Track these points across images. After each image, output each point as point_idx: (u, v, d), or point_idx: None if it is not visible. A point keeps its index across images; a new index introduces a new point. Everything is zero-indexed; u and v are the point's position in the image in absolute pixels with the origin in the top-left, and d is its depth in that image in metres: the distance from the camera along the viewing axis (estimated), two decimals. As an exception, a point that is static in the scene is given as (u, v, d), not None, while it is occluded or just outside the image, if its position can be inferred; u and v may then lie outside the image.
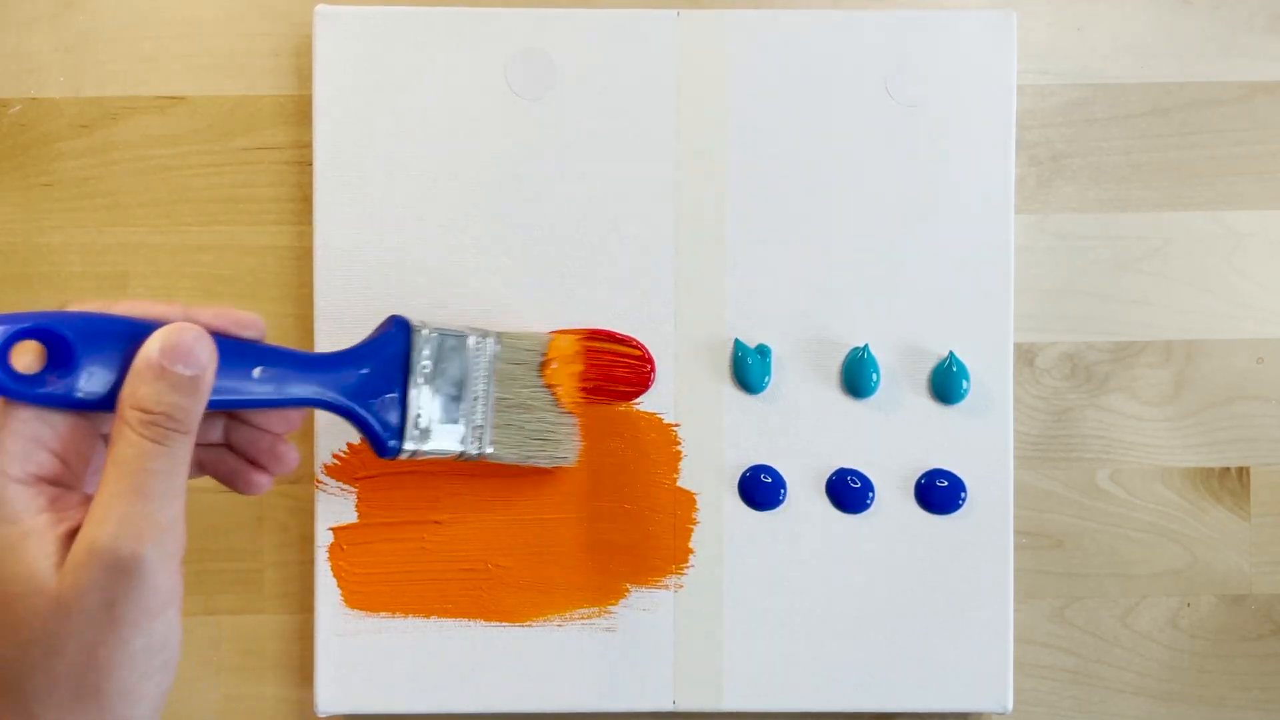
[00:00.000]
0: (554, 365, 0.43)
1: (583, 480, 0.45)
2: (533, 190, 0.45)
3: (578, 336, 0.44)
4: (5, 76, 0.47)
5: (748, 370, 0.45)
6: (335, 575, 0.45)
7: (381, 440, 0.37)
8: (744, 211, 0.45)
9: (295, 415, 0.35)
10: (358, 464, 0.45)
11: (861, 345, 0.45)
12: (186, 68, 0.47)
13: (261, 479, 0.35)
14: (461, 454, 0.40)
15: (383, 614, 0.45)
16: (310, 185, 0.45)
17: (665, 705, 0.45)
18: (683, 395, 0.45)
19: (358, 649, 0.45)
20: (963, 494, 0.45)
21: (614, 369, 0.45)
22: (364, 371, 0.36)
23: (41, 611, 0.27)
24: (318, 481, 0.45)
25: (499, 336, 0.41)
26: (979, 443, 0.45)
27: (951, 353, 0.45)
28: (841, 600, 0.45)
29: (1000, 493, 0.45)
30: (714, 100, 0.45)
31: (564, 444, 0.43)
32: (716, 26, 0.45)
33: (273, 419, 0.34)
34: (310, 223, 0.45)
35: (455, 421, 0.39)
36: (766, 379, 0.45)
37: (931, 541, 0.45)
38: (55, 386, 0.29)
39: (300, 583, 0.47)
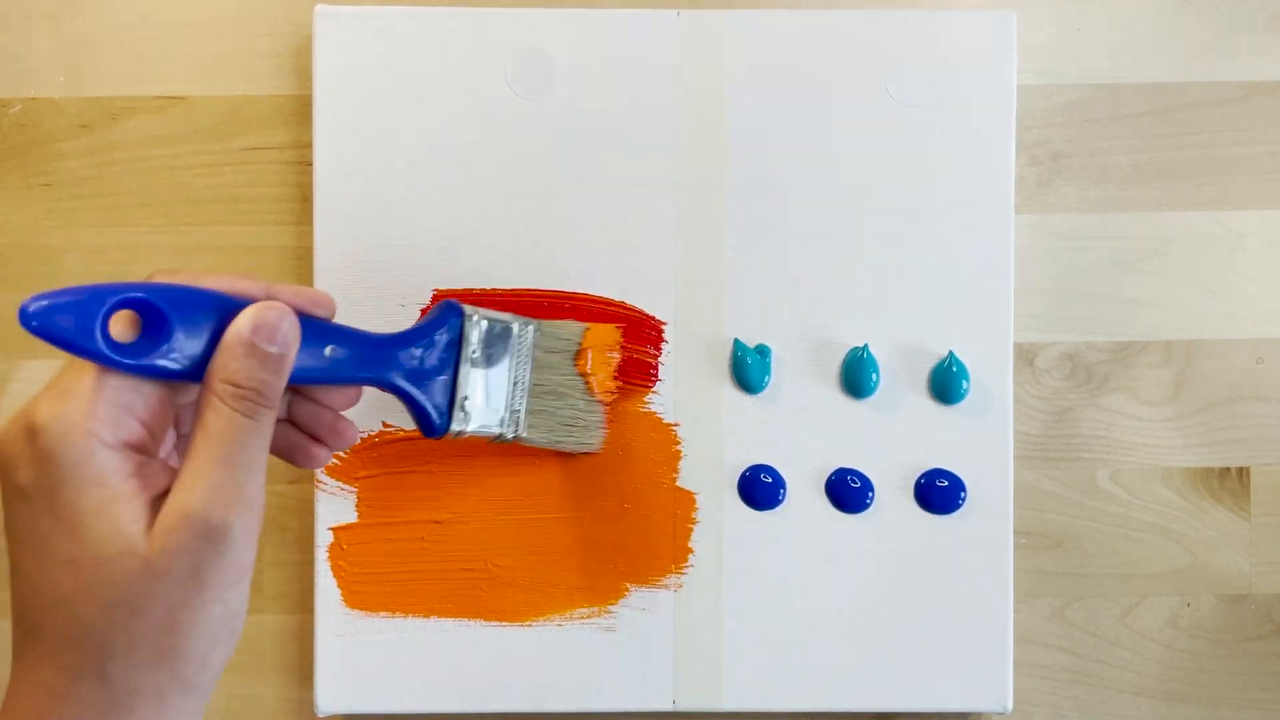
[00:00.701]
0: (588, 355, 0.43)
1: (583, 480, 0.45)
2: (533, 190, 0.45)
3: (613, 328, 0.44)
4: (5, 76, 0.47)
5: (748, 370, 0.45)
6: (335, 575, 0.45)
7: (431, 421, 0.38)
8: (744, 211, 0.45)
9: (355, 392, 0.36)
10: (358, 464, 0.45)
11: (861, 345, 0.45)
12: (186, 68, 0.47)
13: (321, 453, 0.36)
14: (499, 436, 0.41)
15: (383, 614, 0.45)
16: (310, 185, 0.45)
17: (665, 705, 0.45)
18: (682, 395, 0.45)
19: (358, 649, 0.45)
20: (963, 494, 0.45)
21: (642, 361, 0.45)
22: (420, 354, 0.37)
23: (130, 573, 0.28)
24: (318, 481, 0.45)
25: (539, 325, 0.42)
26: (979, 443, 0.45)
27: (951, 353, 0.45)
28: (841, 600, 0.45)
29: (1000, 493, 0.45)
30: (714, 100, 0.45)
31: (591, 431, 0.44)
32: (716, 26, 0.45)
33: (335, 396, 0.35)
34: (310, 223, 0.45)
35: (496, 405, 0.40)
36: (766, 379, 0.45)
37: (931, 541, 0.45)
38: (149, 357, 0.29)
39: (300, 583, 0.47)
